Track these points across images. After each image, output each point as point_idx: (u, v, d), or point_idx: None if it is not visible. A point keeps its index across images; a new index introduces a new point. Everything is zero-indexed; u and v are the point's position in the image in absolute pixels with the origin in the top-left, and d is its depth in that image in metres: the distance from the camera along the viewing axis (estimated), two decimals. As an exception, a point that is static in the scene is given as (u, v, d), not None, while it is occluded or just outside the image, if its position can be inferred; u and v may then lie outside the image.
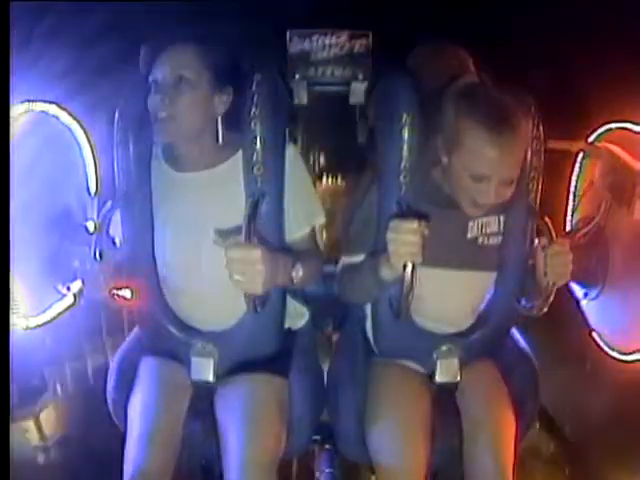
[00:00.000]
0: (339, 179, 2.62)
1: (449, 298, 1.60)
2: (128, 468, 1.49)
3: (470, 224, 1.56)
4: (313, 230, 1.62)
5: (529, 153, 1.57)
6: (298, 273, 1.46)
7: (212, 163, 1.56)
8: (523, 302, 1.69)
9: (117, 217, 1.60)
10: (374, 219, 1.56)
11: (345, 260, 1.60)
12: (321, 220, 1.63)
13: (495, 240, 1.59)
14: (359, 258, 1.56)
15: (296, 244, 1.58)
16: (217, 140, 1.54)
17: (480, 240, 1.58)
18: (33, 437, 2.05)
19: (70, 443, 2.12)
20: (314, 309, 1.79)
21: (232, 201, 1.53)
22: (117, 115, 1.54)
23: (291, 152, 1.58)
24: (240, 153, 1.54)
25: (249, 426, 1.52)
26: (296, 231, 1.59)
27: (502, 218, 1.59)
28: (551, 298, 1.55)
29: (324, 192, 2.53)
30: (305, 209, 1.60)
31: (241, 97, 1.52)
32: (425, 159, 1.53)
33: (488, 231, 1.58)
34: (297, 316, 1.74)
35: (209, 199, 1.55)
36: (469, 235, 1.57)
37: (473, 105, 1.42)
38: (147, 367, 1.65)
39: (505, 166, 1.42)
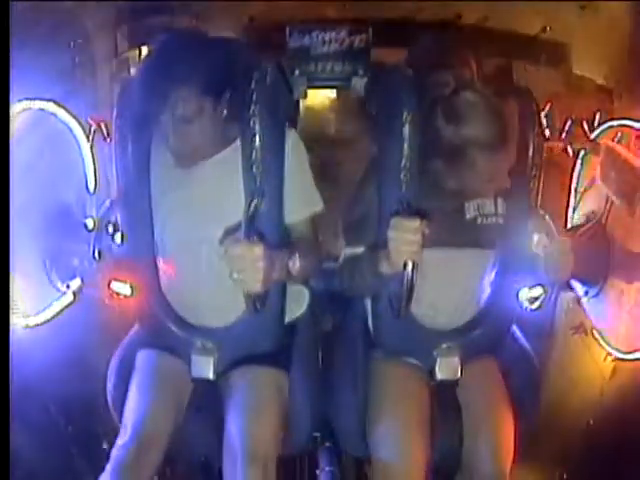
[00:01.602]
0: (338, 172, 2.61)
1: (450, 280, 1.61)
2: (122, 439, 1.49)
3: (466, 205, 1.58)
4: (311, 216, 1.61)
5: (530, 150, 1.57)
6: (295, 264, 1.45)
7: (214, 152, 1.55)
8: (523, 300, 1.70)
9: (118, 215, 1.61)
10: (373, 211, 1.56)
11: (346, 252, 1.60)
12: (319, 207, 1.62)
13: (493, 220, 1.60)
14: (359, 249, 1.56)
15: (294, 228, 1.58)
16: (218, 132, 1.52)
17: (479, 220, 1.60)
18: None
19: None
20: (314, 306, 1.78)
21: (231, 196, 1.52)
22: (115, 114, 1.53)
23: (292, 137, 1.57)
24: (238, 142, 1.54)
25: (249, 417, 1.53)
26: (295, 215, 1.59)
27: (499, 201, 1.61)
28: (552, 296, 1.55)
29: (323, 185, 2.52)
30: (304, 194, 1.60)
31: (239, 89, 1.50)
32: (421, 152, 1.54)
33: (485, 212, 1.60)
34: (297, 305, 1.74)
35: (208, 192, 1.54)
36: (468, 216, 1.59)
37: (465, 126, 1.43)
38: (144, 358, 1.65)
39: (507, 164, 1.49)
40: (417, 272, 1.33)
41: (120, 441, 1.49)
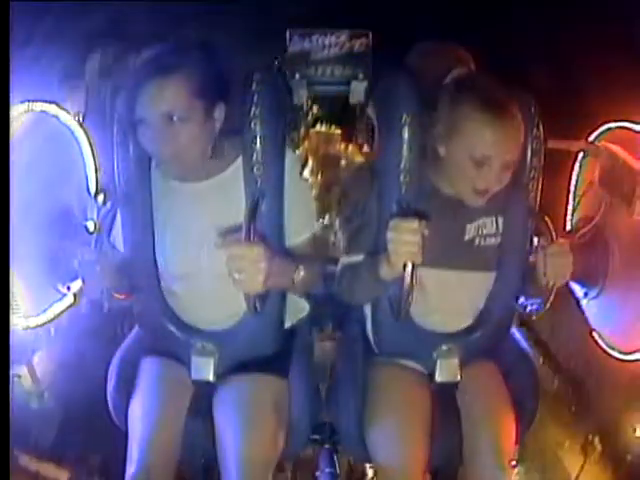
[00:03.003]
0: (338, 177, 2.61)
1: (449, 297, 1.61)
2: (130, 468, 1.49)
3: (468, 226, 1.57)
4: (313, 235, 1.62)
5: (529, 153, 1.57)
6: (299, 275, 1.46)
7: (213, 172, 1.54)
8: (523, 302, 1.69)
9: (118, 217, 1.60)
10: (374, 218, 1.56)
11: (345, 260, 1.60)
12: (317, 226, 1.63)
13: (492, 241, 1.59)
14: (359, 258, 1.56)
15: (296, 249, 1.59)
16: (217, 151, 1.52)
17: (477, 241, 1.59)
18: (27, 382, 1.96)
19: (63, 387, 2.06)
20: (314, 309, 1.79)
21: (234, 205, 1.52)
22: (117, 116, 1.54)
23: (290, 158, 1.58)
24: (240, 159, 1.54)
25: (247, 426, 1.52)
26: (296, 237, 1.59)
27: (500, 220, 1.60)
28: (551, 298, 1.55)
29: (324, 191, 2.53)
30: (305, 215, 1.60)
31: (237, 101, 1.51)
32: (421, 157, 1.54)
33: (485, 232, 1.59)
34: (297, 310, 1.74)
35: (211, 205, 1.54)
36: (466, 237, 1.58)
37: (469, 92, 1.45)
38: (148, 367, 1.65)
39: (505, 147, 1.44)
40: (416, 273, 1.34)
41: (128, 476, 1.49)
